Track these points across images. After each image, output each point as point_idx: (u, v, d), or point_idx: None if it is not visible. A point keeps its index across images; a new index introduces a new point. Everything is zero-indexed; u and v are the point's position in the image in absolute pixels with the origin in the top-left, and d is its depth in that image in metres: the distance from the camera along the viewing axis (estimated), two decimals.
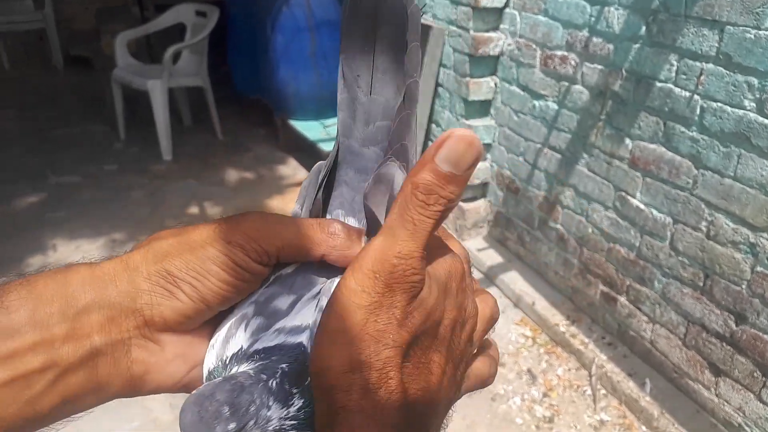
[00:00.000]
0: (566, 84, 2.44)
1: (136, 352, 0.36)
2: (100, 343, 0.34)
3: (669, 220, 2.08)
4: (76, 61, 6.30)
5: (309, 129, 4.03)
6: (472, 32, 2.75)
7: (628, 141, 2.19)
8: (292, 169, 4.19)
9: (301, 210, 0.42)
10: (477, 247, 3.10)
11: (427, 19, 3.06)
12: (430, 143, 2.76)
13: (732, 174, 1.83)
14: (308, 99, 4.13)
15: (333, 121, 4.22)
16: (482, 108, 2.94)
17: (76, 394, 0.34)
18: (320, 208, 0.42)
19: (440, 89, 3.11)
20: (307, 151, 4.11)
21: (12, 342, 0.32)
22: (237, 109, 5.00)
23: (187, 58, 4.53)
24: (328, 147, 3.83)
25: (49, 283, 0.34)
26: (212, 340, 0.37)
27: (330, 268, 0.39)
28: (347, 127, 0.43)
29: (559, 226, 2.63)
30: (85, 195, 3.71)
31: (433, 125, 3.24)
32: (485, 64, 2.84)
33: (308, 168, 4.06)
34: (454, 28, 2.88)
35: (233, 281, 0.36)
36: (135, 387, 0.37)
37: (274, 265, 0.38)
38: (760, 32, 1.67)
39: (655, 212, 2.13)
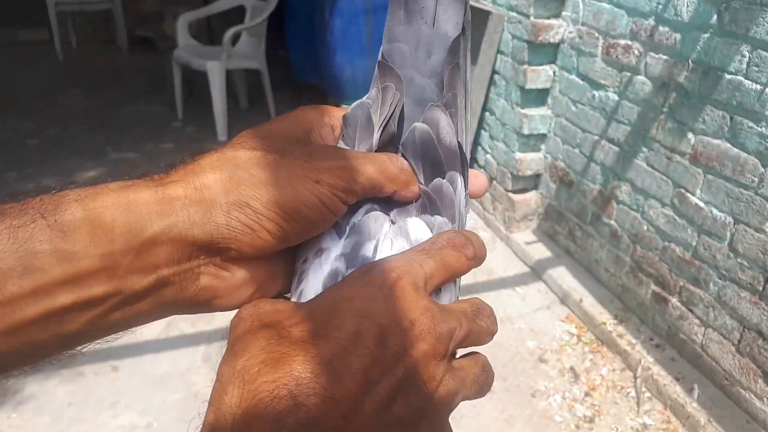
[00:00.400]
0: (628, 74, 2.35)
1: (205, 279, 0.35)
2: (168, 273, 0.33)
3: (730, 219, 1.98)
4: (140, 41, 6.46)
5: None
6: (532, 18, 2.68)
7: (690, 135, 2.09)
8: None
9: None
10: (525, 240, 3.03)
11: (486, 5, 3.00)
12: (482, 131, 2.72)
13: None
14: (363, 84, 4.12)
15: None
16: (539, 97, 2.87)
17: (138, 316, 0.34)
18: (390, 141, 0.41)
19: (496, 77, 3.05)
20: None
21: (71, 266, 0.30)
22: (293, 93, 5.03)
23: (246, 41, 4.58)
24: None
25: (109, 205, 0.32)
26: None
27: (390, 204, 0.39)
28: (407, 57, 0.42)
29: (612, 222, 2.54)
30: (140, 170, 3.80)
31: (487, 113, 3.18)
32: (544, 51, 2.76)
33: None
34: (513, 14, 2.81)
35: (318, 221, 0.36)
36: (199, 309, 0.36)
37: None
38: None
39: (715, 211, 2.03)
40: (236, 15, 4.71)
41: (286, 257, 0.39)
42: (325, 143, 0.41)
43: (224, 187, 0.34)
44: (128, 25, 6.44)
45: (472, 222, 3.34)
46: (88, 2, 6.24)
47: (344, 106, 0.41)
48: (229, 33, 4.19)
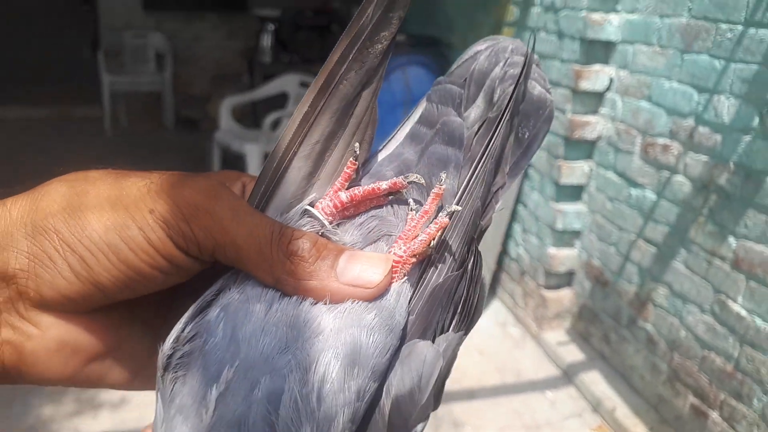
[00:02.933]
0: (667, 174, 2.29)
1: (6, 332, 0.26)
2: None
3: None
4: (186, 122, 6.70)
5: None
6: (569, 115, 2.67)
7: (731, 239, 2.00)
8: None
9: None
10: (558, 340, 2.90)
11: None
12: (515, 224, 2.65)
13: None
14: None
15: None
16: (574, 192, 2.82)
17: None
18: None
19: (531, 170, 3.02)
20: None
21: None
22: None
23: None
24: None
25: None
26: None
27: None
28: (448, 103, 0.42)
29: (649, 326, 2.41)
30: None
31: (520, 206, 3.14)
32: (581, 147, 2.73)
33: None
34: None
35: (141, 266, 0.26)
36: (8, 376, 0.27)
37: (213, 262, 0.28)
38: None
39: (758, 321, 1.91)
40: (280, 101, 4.87)
41: (142, 329, 0.29)
42: None
43: (35, 206, 0.26)
44: (176, 106, 6.71)
45: (502, 317, 3.23)
46: (141, 83, 6.54)
47: None
48: (270, 118, 4.31)
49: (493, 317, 3.24)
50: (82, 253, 0.25)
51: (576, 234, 2.85)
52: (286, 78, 4.79)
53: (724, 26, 2.00)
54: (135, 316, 0.28)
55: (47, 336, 0.27)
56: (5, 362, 0.26)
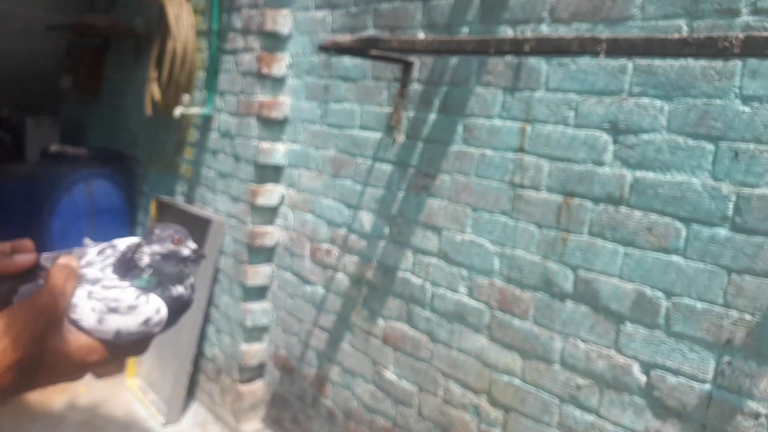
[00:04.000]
0: (331, 272, 2.82)
1: None
2: None
3: (415, 388, 2.42)
4: None
5: None
6: (250, 226, 3.08)
7: (380, 320, 2.57)
8: None
9: None
10: (254, 429, 3.17)
11: (209, 213, 3.35)
12: (209, 325, 2.90)
13: (457, 346, 2.25)
14: None
15: None
16: (260, 293, 3.20)
17: None
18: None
19: (220, 275, 3.33)
20: None
21: None
22: None
23: None
24: None
25: None
26: None
27: None
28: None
29: (329, 402, 2.85)
30: None
31: (213, 308, 3.40)
32: (262, 253, 3.15)
33: None
34: (234, 221, 3.20)
35: None
36: None
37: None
38: (464, 236, 2.20)
39: (404, 382, 2.47)
40: None
41: None
42: None
43: None
44: None
45: (202, 417, 3.39)
46: None
47: None
48: None
49: (193, 418, 3.38)
50: None
51: (264, 329, 3.22)
52: None
53: (360, 160, 2.63)
54: None
55: None
56: None
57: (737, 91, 1.53)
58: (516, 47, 1.57)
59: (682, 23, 1.62)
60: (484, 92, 2.11)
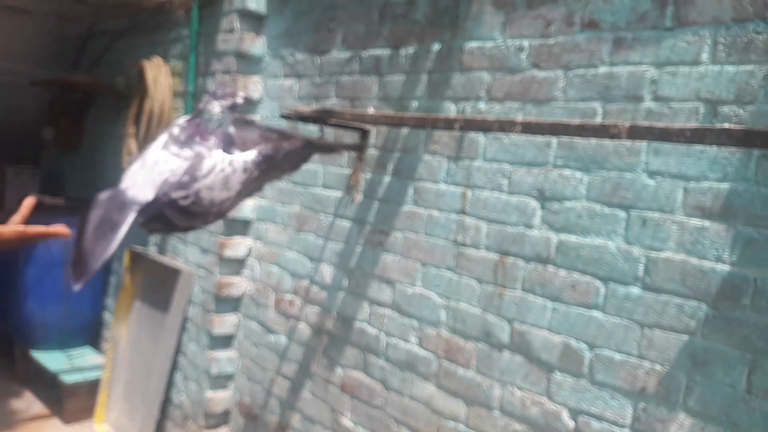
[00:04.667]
0: (294, 322, 2.96)
1: None
2: None
3: None
4: None
5: (52, 360, 4.00)
6: (218, 276, 3.22)
7: (339, 369, 2.70)
8: (26, 403, 4.01)
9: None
10: None
11: (179, 264, 3.49)
12: (176, 372, 3.01)
13: (408, 394, 2.39)
14: (54, 330, 4.14)
15: (79, 351, 4.23)
16: (226, 341, 3.32)
17: None
18: None
19: (188, 324, 3.45)
20: (47, 383, 4.01)
21: None
22: None
23: None
24: (71, 377, 3.81)
25: None
26: None
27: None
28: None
29: None
30: None
31: (180, 356, 3.51)
32: (229, 303, 3.28)
33: (45, 401, 3.93)
34: (203, 271, 3.34)
35: None
36: None
37: None
38: (415, 289, 2.37)
39: (360, 429, 2.59)
40: None
41: None
42: None
43: None
44: None
45: None
46: None
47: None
48: None
49: None
50: None
51: (229, 377, 3.33)
52: None
53: (322, 216, 2.81)
54: None
55: None
56: None
57: (644, 166, 1.75)
58: (448, 125, 1.78)
59: (597, 105, 1.84)
60: (431, 159, 2.32)
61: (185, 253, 3.49)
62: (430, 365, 2.32)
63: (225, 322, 3.28)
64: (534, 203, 2.00)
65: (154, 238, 3.82)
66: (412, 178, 2.39)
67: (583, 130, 1.45)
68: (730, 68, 1.58)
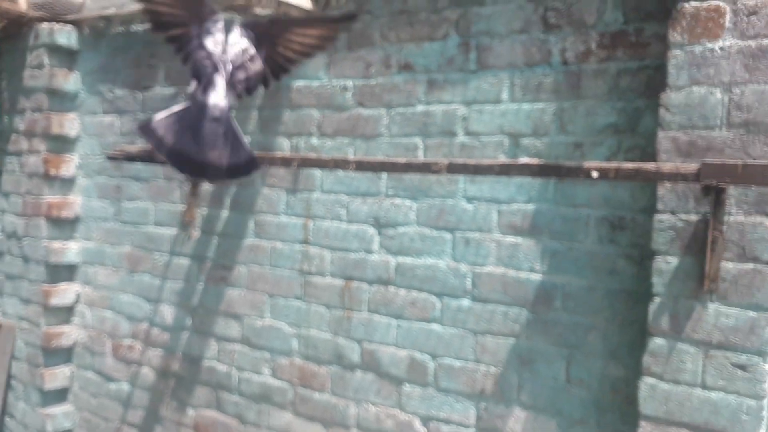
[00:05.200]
0: (136, 367, 2.85)
1: None
2: None
3: None
4: None
5: None
6: (44, 328, 2.99)
7: (190, 410, 2.66)
8: None
9: None
10: None
11: None
12: None
13: (266, 425, 2.43)
14: None
15: None
16: (60, 395, 3.09)
17: None
18: None
19: (14, 381, 3.16)
20: None
21: None
22: None
23: None
24: None
25: None
26: None
27: None
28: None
29: None
30: None
31: (7, 418, 3.20)
32: (60, 354, 3.06)
33: None
34: (25, 324, 3.08)
35: None
36: None
37: None
38: (264, 321, 2.42)
39: None
40: None
41: None
42: None
43: None
44: None
45: None
46: None
47: None
48: None
49: None
50: None
51: None
52: None
53: (156, 255, 2.74)
54: None
55: None
56: None
57: (463, 192, 1.96)
58: (286, 163, 1.87)
59: (418, 140, 2.03)
60: (269, 192, 2.38)
61: (3, 305, 3.19)
62: (285, 394, 2.38)
63: (57, 375, 3.05)
64: (372, 230, 2.15)
65: None
66: (252, 212, 2.43)
67: (409, 168, 1.62)
68: (526, 106, 1.85)
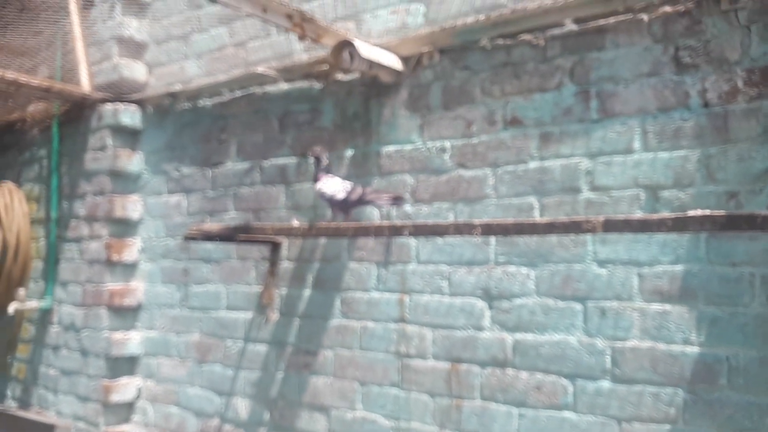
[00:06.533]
0: None
1: None
2: None
3: None
4: None
5: None
6: (103, 427, 2.74)
7: None
8: None
9: None
10: None
11: (50, 417, 2.95)
12: None
13: None
14: None
15: None
16: None
17: None
18: None
19: None
20: None
21: None
22: None
23: None
24: None
25: None
26: None
27: None
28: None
29: None
30: None
31: None
32: None
33: None
34: (82, 424, 2.83)
35: None
36: None
37: None
38: (356, 413, 2.15)
39: None
40: None
41: None
42: None
43: None
44: None
45: None
46: None
47: None
48: None
49: None
50: None
51: None
52: None
53: (229, 342, 2.51)
54: None
55: None
56: None
57: (593, 255, 1.73)
58: (395, 232, 1.66)
59: (533, 200, 1.82)
60: (357, 267, 2.17)
61: (57, 404, 2.96)
62: None
63: None
64: (481, 303, 1.91)
65: (13, 390, 3.22)
66: (338, 289, 2.21)
67: (552, 228, 1.40)
68: (664, 154, 1.64)
